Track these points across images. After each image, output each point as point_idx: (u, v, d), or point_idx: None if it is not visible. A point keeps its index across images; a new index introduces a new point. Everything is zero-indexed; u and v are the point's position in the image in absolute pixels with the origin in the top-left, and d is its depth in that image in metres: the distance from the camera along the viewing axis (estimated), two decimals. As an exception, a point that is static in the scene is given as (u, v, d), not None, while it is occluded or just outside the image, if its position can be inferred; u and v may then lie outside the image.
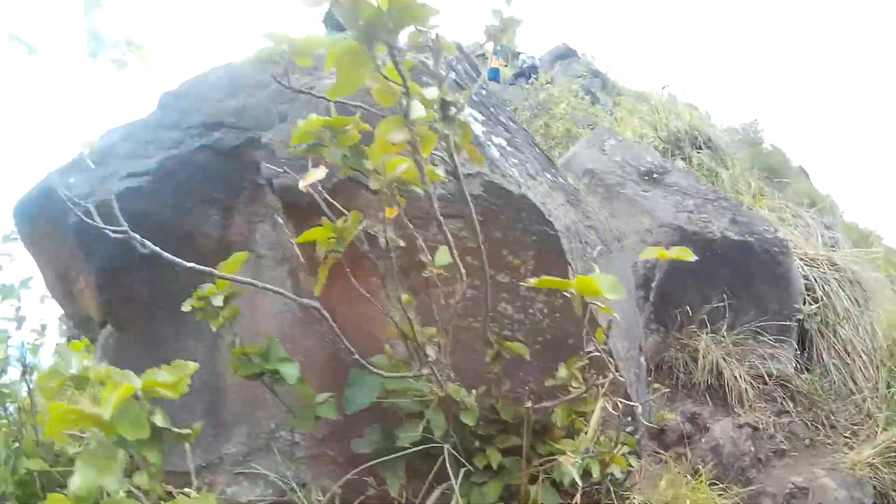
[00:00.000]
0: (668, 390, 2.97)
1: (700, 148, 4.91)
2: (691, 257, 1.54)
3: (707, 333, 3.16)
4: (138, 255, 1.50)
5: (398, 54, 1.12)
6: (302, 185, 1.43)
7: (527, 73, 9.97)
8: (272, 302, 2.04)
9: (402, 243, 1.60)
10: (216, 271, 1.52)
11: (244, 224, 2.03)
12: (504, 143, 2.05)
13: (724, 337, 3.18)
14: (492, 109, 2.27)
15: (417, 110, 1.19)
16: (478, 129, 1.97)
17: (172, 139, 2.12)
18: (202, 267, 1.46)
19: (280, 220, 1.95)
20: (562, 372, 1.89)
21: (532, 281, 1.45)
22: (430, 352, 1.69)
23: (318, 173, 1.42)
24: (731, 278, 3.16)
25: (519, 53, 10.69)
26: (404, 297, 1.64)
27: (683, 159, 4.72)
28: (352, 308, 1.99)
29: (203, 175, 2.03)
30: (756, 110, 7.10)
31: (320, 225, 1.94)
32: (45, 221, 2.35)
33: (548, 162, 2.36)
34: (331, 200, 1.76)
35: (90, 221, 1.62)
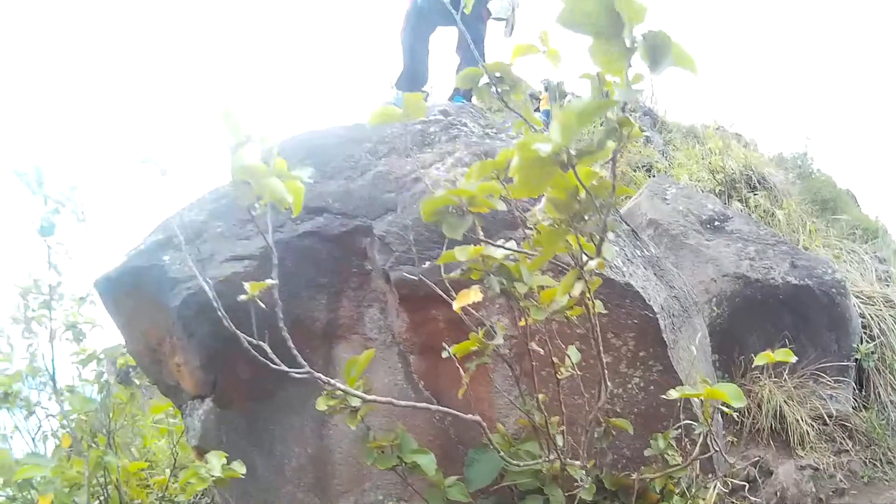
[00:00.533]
0: (734, 439, 3.05)
1: (755, 189, 4.98)
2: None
3: (770, 378, 3.24)
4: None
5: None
6: (456, 306, 1.48)
7: None
8: (382, 380, 2.09)
9: (540, 351, 1.66)
10: (347, 388, 1.57)
11: (353, 308, 2.09)
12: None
13: (785, 381, 3.26)
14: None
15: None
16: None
17: (273, 222, 2.16)
18: (328, 379, 1.50)
19: (390, 306, 2.01)
20: (659, 442, 1.98)
21: (674, 394, 1.52)
22: (560, 441, 1.76)
23: (473, 295, 1.47)
24: (793, 322, 3.24)
25: (566, 93, 10.59)
26: (540, 395, 1.71)
27: (740, 201, 4.79)
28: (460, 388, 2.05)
29: (309, 260, 2.08)
30: (806, 141, 7.17)
31: (436, 312, 2.00)
32: (137, 297, 2.39)
33: (632, 233, 2.43)
34: (439, 290, 1.81)
35: (230, 327, 1.67)
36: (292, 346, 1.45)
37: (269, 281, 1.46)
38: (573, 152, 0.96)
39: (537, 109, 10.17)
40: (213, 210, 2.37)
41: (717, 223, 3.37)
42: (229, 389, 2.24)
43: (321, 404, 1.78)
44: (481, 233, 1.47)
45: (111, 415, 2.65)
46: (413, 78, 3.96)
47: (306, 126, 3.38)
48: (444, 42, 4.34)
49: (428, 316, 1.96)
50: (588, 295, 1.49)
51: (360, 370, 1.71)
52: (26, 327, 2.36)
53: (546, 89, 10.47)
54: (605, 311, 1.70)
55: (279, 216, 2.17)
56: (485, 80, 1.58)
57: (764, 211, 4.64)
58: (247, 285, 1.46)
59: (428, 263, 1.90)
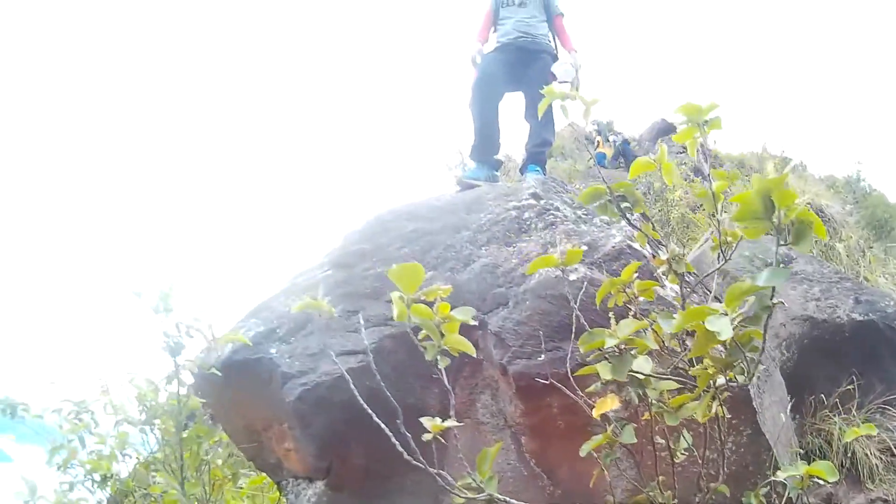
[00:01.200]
0: (807, 475, 3.15)
1: None
2: None
3: (839, 416, 3.33)
4: (359, 428, 1.68)
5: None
6: (596, 413, 1.60)
7: (620, 151, 9.73)
8: (496, 460, 2.21)
9: (662, 442, 1.78)
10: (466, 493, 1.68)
11: (465, 395, 2.21)
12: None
13: (854, 416, 3.35)
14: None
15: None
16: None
17: (379, 314, 2.29)
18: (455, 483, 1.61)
19: (502, 392, 2.13)
20: (751, 499, 2.12)
21: (781, 474, 1.66)
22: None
23: (611, 403, 1.59)
24: (860, 358, 3.33)
25: (617, 133, 10.55)
26: (661, 478, 1.83)
27: None
28: (572, 466, 2.17)
29: (421, 352, 2.20)
30: (857, 164, 7.21)
31: (550, 399, 2.13)
32: (242, 388, 2.51)
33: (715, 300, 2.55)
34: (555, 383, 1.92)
35: (378, 422, 1.78)
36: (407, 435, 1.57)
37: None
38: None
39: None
40: (312, 298, 2.49)
41: (782, 266, 3.42)
42: (343, 474, 2.37)
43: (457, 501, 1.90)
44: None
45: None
46: (486, 148, 4.01)
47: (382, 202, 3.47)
48: (512, 107, 4.38)
49: (542, 403, 2.08)
50: (721, 411, 1.63)
51: (490, 463, 1.82)
52: (142, 429, 2.50)
53: (599, 132, 10.50)
54: (728, 416, 1.84)
55: (390, 309, 2.29)
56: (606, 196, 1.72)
57: (825, 245, 4.70)
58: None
59: (543, 357, 2.02)
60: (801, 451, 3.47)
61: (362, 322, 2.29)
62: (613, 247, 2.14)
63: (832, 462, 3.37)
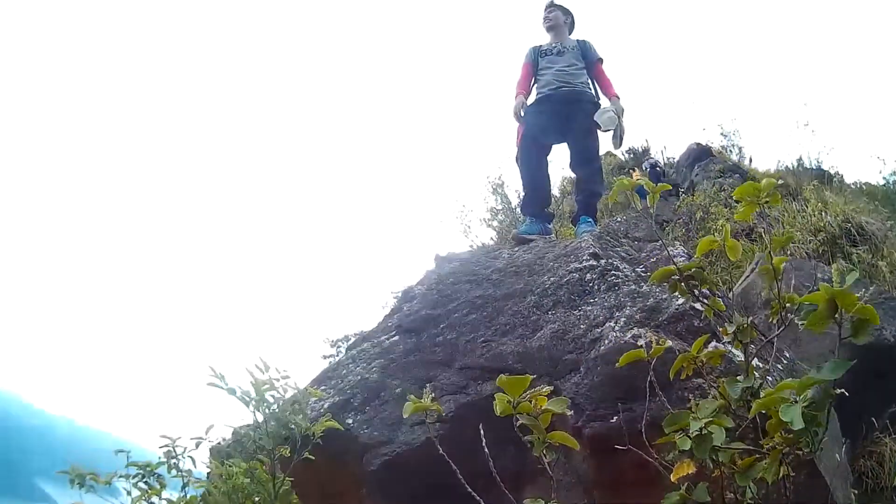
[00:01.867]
0: (855, 490, 3.24)
1: (856, 242, 5.07)
2: None
3: (889, 436, 3.43)
4: (439, 493, 1.82)
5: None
6: (674, 477, 1.74)
7: (654, 177, 9.77)
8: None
9: (733, 497, 1.91)
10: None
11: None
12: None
13: (904, 437, 3.44)
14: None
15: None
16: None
17: (453, 382, 2.44)
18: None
19: (575, 451, 2.28)
20: None
21: None
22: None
23: (688, 468, 1.73)
24: (908, 379, 3.43)
25: (647, 157, 10.71)
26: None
27: (843, 258, 4.87)
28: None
29: (496, 417, 2.36)
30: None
31: (623, 457, 2.27)
32: (320, 454, 2.66)
33: (770, 345, 2.69)
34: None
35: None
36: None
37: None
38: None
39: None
40: (384, 366, 2.64)
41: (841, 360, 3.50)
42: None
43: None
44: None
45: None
46: (536, 202, 4.11)
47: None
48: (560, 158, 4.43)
49: (615, 460, 2.21)
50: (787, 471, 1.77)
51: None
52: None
53: (637, 163, 10.67)
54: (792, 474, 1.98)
55: (463, 377, 2.44)
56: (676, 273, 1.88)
57: (868, 264, 4.73)
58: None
59: (615, 419, 2.17)
60: (854, 475, 3.57)
61: (433, 392, 2.45)
62: (676, 309, 2.27)
63: (884, 483, 3.47)
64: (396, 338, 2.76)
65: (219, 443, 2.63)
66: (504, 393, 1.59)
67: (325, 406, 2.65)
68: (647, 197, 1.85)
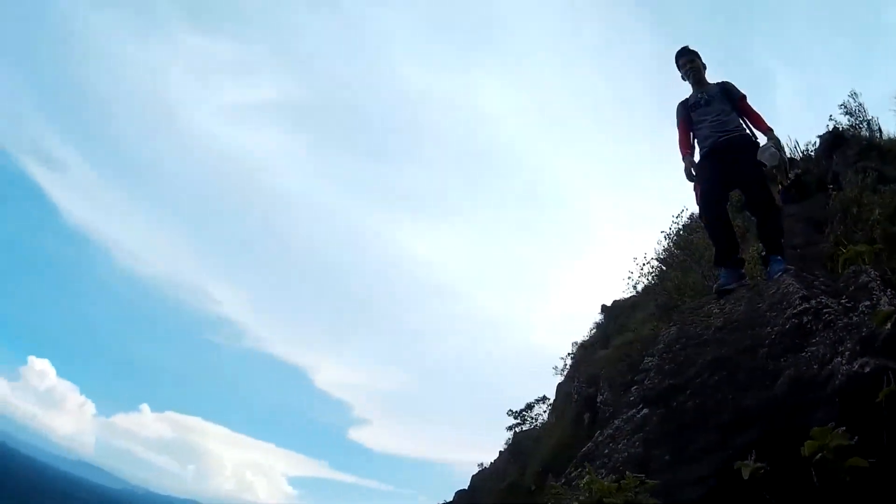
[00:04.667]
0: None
1: None
2: None
3: None
4: None
5: None
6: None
7: (793, 182, 9.59)
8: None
9: None
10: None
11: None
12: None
13: None
14: None
15: None
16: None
17: (712, 441, 2.72)
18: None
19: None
20: None
21: None
22: None
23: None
24: None
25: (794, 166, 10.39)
26: None
27: None
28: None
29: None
30: None
31: None
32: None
33: None
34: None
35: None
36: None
37: None
38: None
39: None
40: (645, 440, 2.99)
41: None
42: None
43: None
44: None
45: None
46: (726, 253, 4.32)
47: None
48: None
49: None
50: None
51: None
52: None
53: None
54: None
55: (718, 435, 2.73)
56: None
57: None
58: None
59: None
60: None
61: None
62: (888, 334, 2.43)
63: None
64: (646, 411, 3.12)
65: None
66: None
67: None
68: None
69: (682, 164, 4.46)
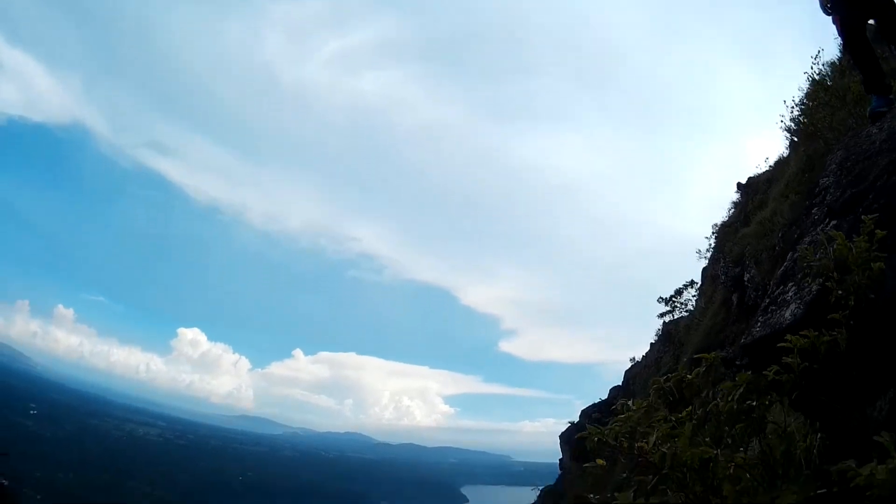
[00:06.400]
0: None
1: None
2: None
3: None
4: None
5: None
6: None
7: None
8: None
9: None
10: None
11: None
12: None
13: None
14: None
15: None
16: None
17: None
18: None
19: None
20: None
21: None
22: None
23: None
24: None
25: None
26: None
27: None
28: None
29: None
30: None
31: None
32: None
33: None
34: None
35: None
36: None
37: None
38: None
39: None
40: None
41: None
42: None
43: None
44: None
45: None
46: (872, 78, 4.41)
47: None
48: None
49: None
50: None
51: None
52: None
53: None
54: None
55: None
56: None
57: None
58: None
59: None
60: None
61: None
62: None
63: None
64: (834, 222, 3.17)
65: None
66: None
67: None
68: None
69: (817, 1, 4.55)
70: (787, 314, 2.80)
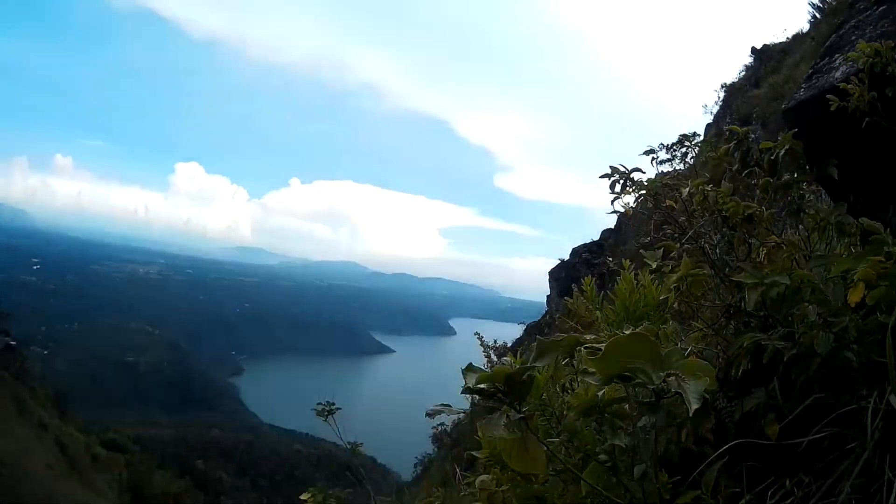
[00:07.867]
0: None
1: None
2: None
3: None
4: None
5: None
6: None
7: None
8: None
9: None
10: None
11: None
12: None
13: None
14: None
15: None
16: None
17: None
18: None
19: None
20: None
21: None
22: None
23: None
24: None
25: None
26: None
27: None
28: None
29: None
30: None
31: None
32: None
33: None
34: None
35: None
36: None
37: None
38: None
39: None
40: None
41: None
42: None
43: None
44: None
45: None
46: None
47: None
48: None
49: None
50: None
51: None
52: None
53: None
54: None
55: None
56: None
57: None
58: None
59: None
60: None
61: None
62: None
63: None
64: (883, 7, 3.20)
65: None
66: None
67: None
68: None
69: None
70: (838, 74, 2.68)
